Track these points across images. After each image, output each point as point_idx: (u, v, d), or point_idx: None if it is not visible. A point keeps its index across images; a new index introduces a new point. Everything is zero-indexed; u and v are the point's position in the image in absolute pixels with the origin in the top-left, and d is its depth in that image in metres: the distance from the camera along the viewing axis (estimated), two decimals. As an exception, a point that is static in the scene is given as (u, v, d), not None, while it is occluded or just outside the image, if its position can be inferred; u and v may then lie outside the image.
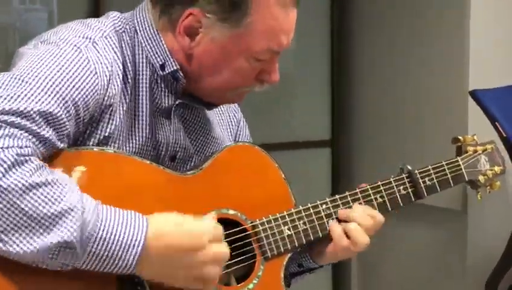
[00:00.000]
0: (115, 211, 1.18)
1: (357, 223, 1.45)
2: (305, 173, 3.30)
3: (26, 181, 1.10)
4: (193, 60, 1.34)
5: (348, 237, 1.45)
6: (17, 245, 1.10)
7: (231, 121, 1.57)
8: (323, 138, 3.42)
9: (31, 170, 1.11)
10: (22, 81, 1.17)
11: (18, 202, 1.09)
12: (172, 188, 1.32)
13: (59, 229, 1.11)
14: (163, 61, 1.34)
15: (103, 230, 1.14)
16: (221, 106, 1.53)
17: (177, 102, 1.37)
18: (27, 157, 1.12)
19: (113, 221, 1.16)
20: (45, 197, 1.11)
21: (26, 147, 1.13)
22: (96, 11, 2.92)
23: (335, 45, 3.37)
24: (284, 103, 3.31)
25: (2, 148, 1.10)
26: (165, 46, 1.34)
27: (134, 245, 1.16)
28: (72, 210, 1.12)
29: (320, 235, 1.45)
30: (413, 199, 1.55)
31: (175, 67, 1.34)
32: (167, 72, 1.34)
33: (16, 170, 1.10)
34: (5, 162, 1.09)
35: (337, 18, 3.37)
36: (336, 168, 3.42)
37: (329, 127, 3.42)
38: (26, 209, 1.10)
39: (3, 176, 1.09)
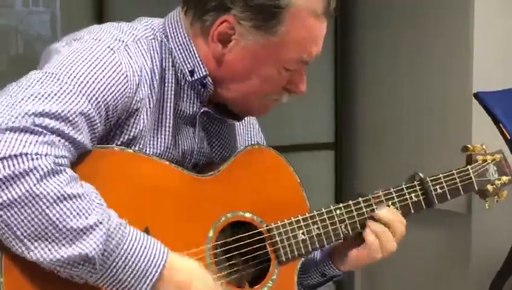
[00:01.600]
0: (140, 234, 1.18)
1: (391, 227, 1.47)
2: (308, 175, 3.27)
3: (59, 191, 1.10)
4: (223, 66, 1.34)
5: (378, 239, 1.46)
6: (38, 252, 1.10)
7: (251, 137, 1.57)
8: (327, 141, 3.41)
9: (65, 180, 1.12)
10: (57, 79, 1.18)
11: (47, 210, 1.09)
12: (190, 189, 1.33)
13: (82, 243, 1.11)
14: (192, 67, 1.34)
15: (125, 250, 1.15)
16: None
17: (202, 110, 1.38)
18: (62, 168, 1.12)
19: (137, 244, 1.16)
20: (74, 210, 1.11)
21: (62, 157, 1.13)
22: (99, 14, 2.92)
23: (339, 48, 3.37)
24: (288, 106, 3.29)
25: (40, 155, 1.10)
26: (196, 52, 1.34)
27: (151, 272, 1.16)
28: (97, 226, 1.12)
29: (334, 240, 1.46)
30: (424, 207, 1.56)
31: (204, 73, 1.34)
32: (196, 78, 1.34)
33: (51, 178, 1.10)
34: (42, 169, 1.10)
35: (340, 22, 3.37)
36: (340, 170, 3.42)
37: (333, 129, 3.42)
38: (54, 219, 1.10)
39: (38, 182, 1.09)
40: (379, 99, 3.31)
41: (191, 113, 1.37)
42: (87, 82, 1.20)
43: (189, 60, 1.34)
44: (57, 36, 2.88)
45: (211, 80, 1.35)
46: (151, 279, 1.16)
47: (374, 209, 1.49)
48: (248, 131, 1.57)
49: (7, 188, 1.08)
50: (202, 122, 1.40)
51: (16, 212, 1.09)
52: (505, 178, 1.69)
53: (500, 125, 2.61)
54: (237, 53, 1.32)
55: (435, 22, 2.98)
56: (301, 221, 1.42)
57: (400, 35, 3.16)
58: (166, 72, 1.34)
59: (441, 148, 2.88)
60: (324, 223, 1.44)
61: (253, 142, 1.56)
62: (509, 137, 2.60)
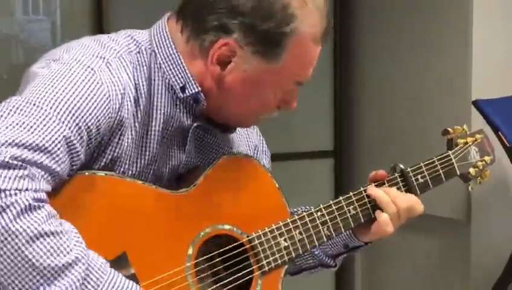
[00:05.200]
0: (119, 276, 1.17)
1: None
2: (308, 183, 3.29)
3: (36, 228, 1.07)
4: (222, 88, 1.32)
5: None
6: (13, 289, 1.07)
7: (248, 144, 1.55)
8: (327, 149, 3.41)
9: (42, 217, 1.09)
10: (37, 106, 1.15)
11: (23, 248, 1.06)
12: (166, 208, 1.30)
13: (60, 281, 1.08)
14: (183, 83, 1.31)
15: None
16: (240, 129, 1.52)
17: (195, 124, 1.36)
18: (41, 204, 1.10)
19: (115, 285, 1.15)
20: (51, 247, 1.08)
21: (41, 190, 1.11)
22: (99, 23, 2.93)
23: (338, 55, 3.38)
24: (287, 113, 3.30)
25: (20, 190, 1.08)
26: (185, 68, 1.31)
27: None
28: (76, 264, 1.10)
29: (317, 244, 1.43)
30: None
31: (196, 90, 1.31)
32: (188, 94, 1.32)
33: (28, 215, 1.07)
34: (19, 204, 1.07)
35: (340, 30, 3.37)
36: (339, 178, 3.42)
37: (332, 137, 3.41)
38: (30, 256, 1.07)
39: (15, 219, 1.06)
40: (378, 107, 3.31)
41: (183, 127, 1.35)
42: (67, 107, 1.17)
43: (180, 76, 1.31)
44: (57, 45, 2.88)
45: (203, 96, 1.32)
46: None
47: (356, 206, 1.46)
48: (247, 142, 1.55)
49: None
50: (195, 135, 1.38)
51: None
52: (487, 158, 1.66)
53: (499, 133, 2.61)
54: (237, 76, 1.30)
55: (434, 30, 2.99)
56: (282, 227, 1.39)
57: (398, 43, 3.17)
58: (156, 86, 1.31)
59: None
60: (306, 227, 1.41)
61: (250, 147, 1.54)
62: (508, 145, 2.60)
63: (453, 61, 2.90)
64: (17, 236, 1.06)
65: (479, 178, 1.67)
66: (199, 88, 1.31)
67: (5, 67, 2.94)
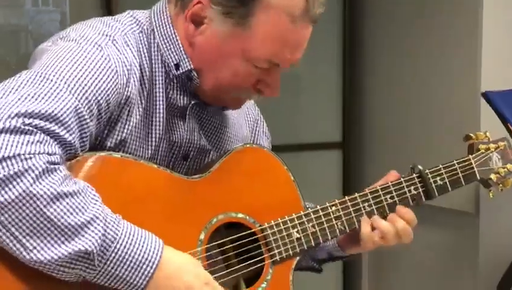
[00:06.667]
0: (135, 228, 1.19)
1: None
2: (316, 175, 3.29)
3: (55, 190, 1.11)
4: (195, 49, 1.33)
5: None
6: (38, 252, 1.11)
7: (247, 118, 1.56)
8: (335, 140, 3.41)
9: (59, 179, 1.13)
10: (46, 79, 1.17)
11: (45, 209, 1.10)
12: (180, 193, 1.31)
13: (81, 238, 1.12)
14: (177, 60, 1.34)
15: (121, 244, 1.16)
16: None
17: (192, 102, 1.37)
18: (56, 166, 1.13)
19: (132, 237, 1.17)
20: (70, 207, 1.12)
21: (55, 154, 1.14)
22: (108, 13, 2.93)
23: (347, 46, 3.37)
24: (295, 105, 3.30)
25: (33, 154, 1.11)
26: (181, 45, 1.34)
27: (148, 264, 1.18)
28: (94, 221, 1.14)
29: (329, 238, 1.45)
30: (423, 199, 1.53)
31: (189, 67, 1.33)
32: (181, 71, 1.34)
33: (46, 177, 1.11)
34: (36, 168, 1.10)
35: (349, 20, 3.37)
36: (347, 170, 3.41)
37: (340, 129, 3.41)
38: (52, 217, 1.11)
39: (34, 182, 1.10)
40: (387, 98, 3.31)
41: (182, 105, 1.36)
42: (77, 81, 1.20)
43: (175, 53, 1.34)
44: (66, 35, 2.89)
45: (196, 74, 1.34)
46: (147, 274, 1.17)
47: (371, 204, 1.47)
48: (246, 117, 1.56)
49: (3, 189, 1.08)
50: (194, 112, 1.39)
51: (13, 213, 1.09)
52: (509, 166, 1.67)
53: (509, 124, 2.60)
54: (207, 38, 1.31)
55: (444, 21, 2.97)
56: (295, 219, 1.40)
57: (408, 34, 3.16)
58: (156, 66, 1.33)
59: (449, 148, 2.88)
60: (319, 221, 1.42)
61: (248, 128, 1.55)
62: (517, 137, 2.59)
63: (462, 52, 2.88)
64: (38, 199, 1.10)
65: (500, 185, 1.67)
66: (192, 66, 1.33)
67: (15, 58, 2.95)
